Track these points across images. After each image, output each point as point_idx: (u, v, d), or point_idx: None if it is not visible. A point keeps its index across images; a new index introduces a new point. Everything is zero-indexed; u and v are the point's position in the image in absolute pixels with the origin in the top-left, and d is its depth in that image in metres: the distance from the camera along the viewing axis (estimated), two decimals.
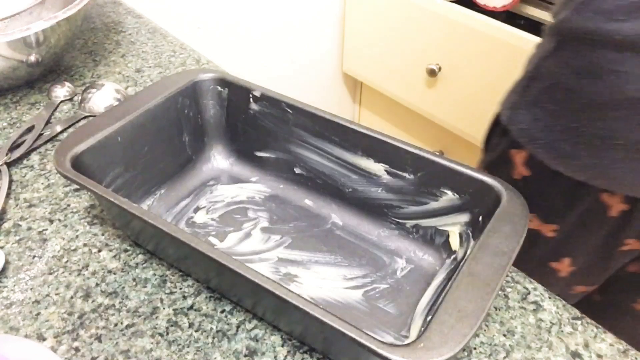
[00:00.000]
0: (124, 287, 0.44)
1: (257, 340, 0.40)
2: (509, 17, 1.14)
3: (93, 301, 0.42)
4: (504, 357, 0.39)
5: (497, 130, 0.59)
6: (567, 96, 0.49)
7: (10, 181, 0.53)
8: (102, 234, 0.48)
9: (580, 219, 0.53)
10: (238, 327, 0.41)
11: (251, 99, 0.51)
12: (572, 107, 0.49)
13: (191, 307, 0.42)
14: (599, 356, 0.39)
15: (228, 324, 0.41)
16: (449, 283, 0.37)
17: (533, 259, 0.57)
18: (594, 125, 0.47)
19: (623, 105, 0.45)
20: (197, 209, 0.51)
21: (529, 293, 0.44)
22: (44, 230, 0.48)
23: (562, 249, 0.56)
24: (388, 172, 0.47)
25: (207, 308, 0.42)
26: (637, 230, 0.53)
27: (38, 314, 0.42)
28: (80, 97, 0.64)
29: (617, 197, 0.50)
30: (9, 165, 0.54)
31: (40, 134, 0.58)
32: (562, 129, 0.50)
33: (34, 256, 0.46)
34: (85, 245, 0.47)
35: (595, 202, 0.51)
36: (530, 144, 0.52)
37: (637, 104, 0.44)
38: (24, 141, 0.57)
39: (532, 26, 1.08)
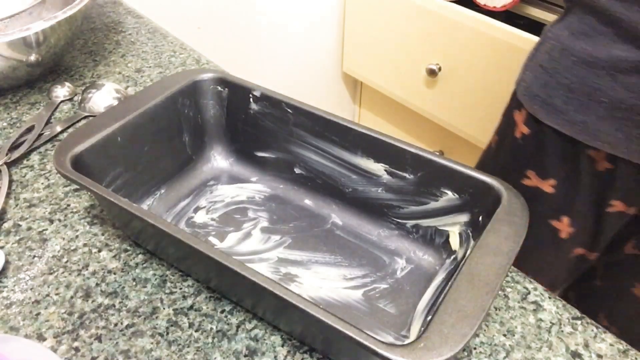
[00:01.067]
0: (124, 287, 0.44)
1: (257, 340, 0.40)
2: (509, 17, 1.14)
3: (93, 301, 0.42)
4: (504, 357, 0.39)
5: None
6: (562, 54, 0.53)
7: (10, 181, 0.53)
8: (102, 234, 0.48)
9: (574, 174, 0.57)
10: (238, 327, 0.41)
11: (251, 99, 0.51)
12: (565, 65, 0.52)
13: (191, 307, 0.42)
14: (599, 356, 0.39)
15: (228, 324, 0.41)
16: (449, 283, 0.37)
17: (534, 217, 0.60)
18: (582, 82, 0.51)
19: (609, 65, 0.48)
20: (197, 209, 0.51)
21: (529, 293, 0.44)
22: (44, 230, 0.48)
23: (561, 206, 0.60)
24: (388, 172, 0.47)
25: (207, 308, 0.42)
26: (621, 192, 0.56)
27: (38, 314, 0.42)
28: (80, 97, 0.64)
29: (602, 154, 0.54)
30: (9, 165, 0.54)
31: (40, 134, 0.58)
32: (556, 86, 0.53)
33: (34, 256, 0.46)
34: (85, 245, 0.47)
35: (585, 158, 0.55)
36: (530, 101, 0.56)
37: (622, 64, 0.47)
38: (24, 141, 0.57)
39: (532, 26, 1.08)
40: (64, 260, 0.46)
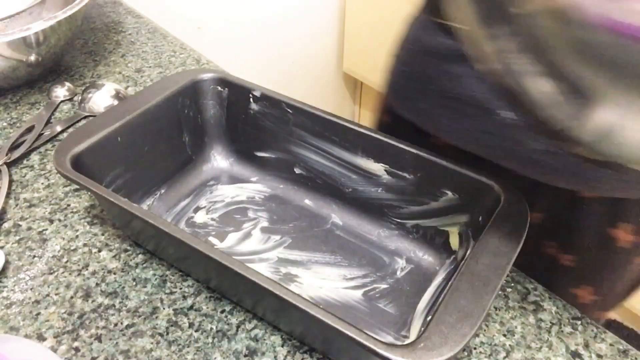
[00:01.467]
0: (124, 287, 0.44)
1: (257, 340, 0.40)
2: None
3: (93, 301, 0.42)
4: (504, 357, 0.39)
5: None
6: (409, 44, 0.55)
7: (10, 181, 0.53)
8: (102, 234, 0.48)
9: None
10: (238, 327, 0.41)
11: (251, 99, 0.51)
12: (409, 53, 0.54)
13: (191, 307, 0.42)
14: (599, 356, 0.39)
15: (228, 324, 0.41)
16: (449, 283, 0.37)
17: None
18: (421, 71, 0.52)
19: (436, 53, 0.49)
20: (197, 209, 0.51)
21: (529, 293, 0.44)
22: (44, 230, 0.48)
23: None
24: (388, 172, 0.47)
25: (207, 308, 0.42)
26: None
27: (38, 314, 0.42)
28: (80, 97, 0.64)
29: (445, 143, 0.54)
30: (9, 165, 0.54)
31: (40, 134, 0.58)
32: (404, 74, 0.55)
33: (34, 256, 0.46)
34: (85, 245, 0.47)
35: (429, 147, 0.55)
36: (387, 88, 0.58)
37: (445, 52, 0.48)
38: (24, 141, 0.57)
39: None
40: (64, 260, 0.46)
